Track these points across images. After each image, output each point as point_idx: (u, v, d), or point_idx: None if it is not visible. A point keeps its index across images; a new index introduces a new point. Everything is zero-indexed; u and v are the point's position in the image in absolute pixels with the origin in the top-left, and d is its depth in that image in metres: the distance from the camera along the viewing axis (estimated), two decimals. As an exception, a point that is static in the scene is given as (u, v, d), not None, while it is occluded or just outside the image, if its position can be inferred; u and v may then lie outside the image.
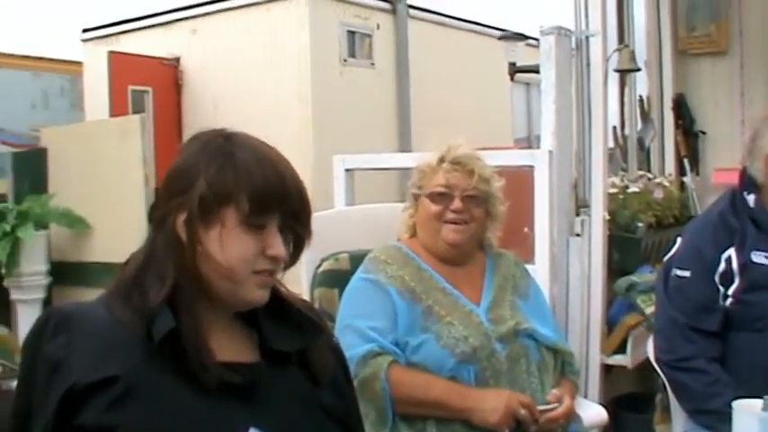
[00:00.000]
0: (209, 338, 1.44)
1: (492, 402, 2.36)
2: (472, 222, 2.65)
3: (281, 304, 1.57)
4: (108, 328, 1.42)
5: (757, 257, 2.67)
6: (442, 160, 2.69)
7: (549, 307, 2.92)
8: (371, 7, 7.55)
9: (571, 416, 2.50)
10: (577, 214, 3.78)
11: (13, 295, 6.20)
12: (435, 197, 2.65)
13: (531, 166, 3.55)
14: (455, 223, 2.63)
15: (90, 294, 1.53)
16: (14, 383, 1.47)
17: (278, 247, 1.47)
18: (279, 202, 1.46)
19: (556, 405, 2.45)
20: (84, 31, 8.38)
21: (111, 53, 7.42)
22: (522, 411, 2.36)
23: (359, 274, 2.67)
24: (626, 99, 5.36)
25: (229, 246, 1.44)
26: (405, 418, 2.43)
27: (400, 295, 2.54)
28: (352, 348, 2.38)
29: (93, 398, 1.34)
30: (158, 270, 1.46)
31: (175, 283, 1.44)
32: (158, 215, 1.50)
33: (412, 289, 2.56)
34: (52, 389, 1.35)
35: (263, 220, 1.46)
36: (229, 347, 1.50)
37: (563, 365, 2.66)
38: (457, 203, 2.62)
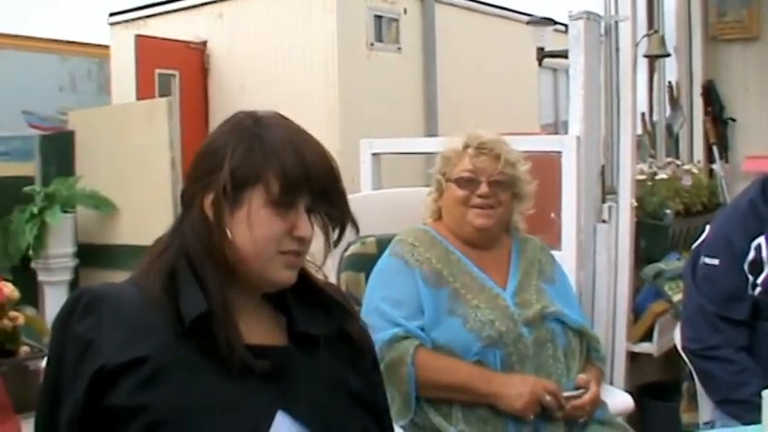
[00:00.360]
0: (237, 321, 1.44)
1: (517, 388, 2.36)
2: (499, 207, 2.65)
3: (309, 288, 1.58)
4: (137, 309, 1.42)
5: (788, 246, 2.64)
6: (467, 145, 2.69)
7: (574, 292, 2.91)
8: (398, -8, 7.53)
9: (597, 403, 2.49)
10: (604, 201, 3.76)
11: (41, 277, 6.24)
12: (462, 182, 2.65)
13: (559, 152, 3.53)
14: (481, 208, 2.62)
15: (116, 276, 1.54)
16: (42, 364, 1.48)
17: (304, 227, 1.47)
18: (306, 183, 1.46)
19: (582, 391, 2.44)
20: (112, 14, 8.41)
21: (138, 37, 7.44)
22: (548, 398, 2.36)
23: (387, 254, 2.67)
24: (655, 85, 5.31)
25: (256, 226, 1.44)
26: (430, 401, 2.44)
27: (425, 281, 2.54)
28: (378, 332, 2.39)
29: (122, 378, 1.34)
30: (187, 251, 1.46)
31: (204, 264, 1.44)
32: (187, 196, 1.51)
33: (439, 271, 2.56)
34: (82, 369, 1.36)
35: (290, 201, 1.45)
36: (258, 330, 1.50)
37: (588, 351, 2.65)
38: (483, 188, 2.62)
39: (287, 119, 1.55)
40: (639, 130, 4.83)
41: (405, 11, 7.55)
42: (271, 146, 1.45)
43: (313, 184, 1.47)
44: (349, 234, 1.58)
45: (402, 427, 2.41)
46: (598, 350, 2.67)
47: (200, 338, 1.39)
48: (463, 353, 2.43)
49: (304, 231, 1.47)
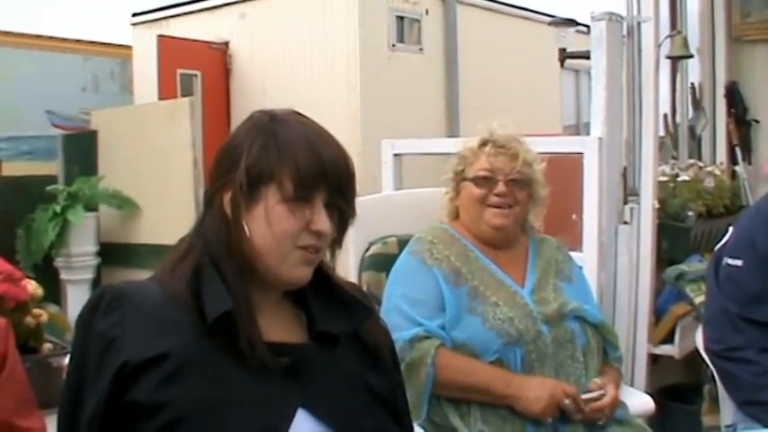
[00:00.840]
0: (258, 318, 1.45)
1: (536, 391, 2.36)
2: (516, 206, 2.65)
3: (329, 286, 1.58)
4: (160, 306, 1.43)
5: (811, 248, 2.63)
6: (484, 143, 2.69)
7: (591, 291, 2.90)
8: (420, -8, 7.53)
9: (616, 404, 2.48)
10: (626, 202, 3.75)
11: (63, 275, 6.28)
12: (479, 181, 2.65)
13: (581, 153, 3.52)
14: (499, 207, 2.63)
15: (138, 276, 1.55)
16: (65, 361, 1.49)
17: (322, 222, 1.47)
18: (322, 178, 1.47)
19: (601, 392, 2.44)
20: (134, 15, 8.44)
21: (160, 37, 7.45)
22: (567, 401, 2.36)
23: (405, 252, 2.68)
24: (677, 86, 5.31)
25: (273, 221, 1.45)
26: (449, 400, 2.44)
27: (445, 280, 2.54)
28: (399, 331, 2.39)
29: (144, 374, 1.35)
30: (209, 249, 1.47)
31: (224, 262, 1.46)
32: (208, 194, 1.53)
33: (458, 269, 2.57)
34: (105, 366, 1.37)
35: (307, 196, 1.46)
36: (278, 328, 1.51)
37: (606, 351, 2.65)
38: (501, 187, 2.62)
39: (303, 116, 1.56)
40: (662, 132, 4.81)
41: (426, 12, 7.53)
42: (285, 142, 1.47)
43: (330, 180, 1.48)
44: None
45: (420, 425, 2.42)
46: (615, 349, 2.67)
47: (222, 335, 1.40)
48: (483, 351, 2.43)
49: (321, 225, 1.47)
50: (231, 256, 1.46)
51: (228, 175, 1.47)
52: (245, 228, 1.46)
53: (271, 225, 1.45)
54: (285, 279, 1.50)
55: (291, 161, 1.45)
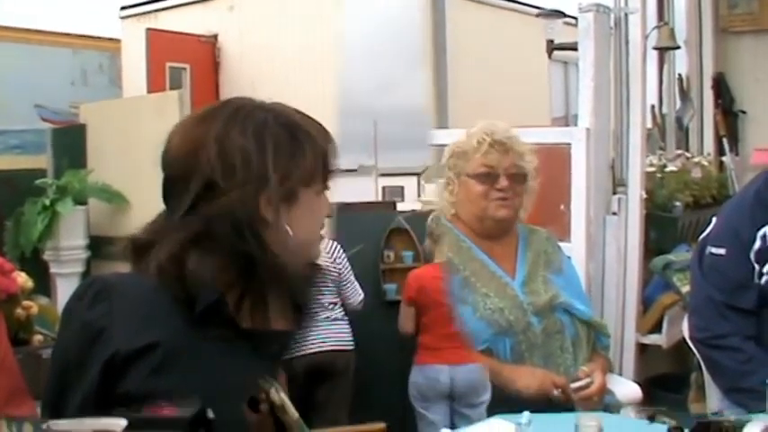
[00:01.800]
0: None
1: (525, 381, 2.38)
2: (515, 198, 2.66)
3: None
4: (148, 297, 1.42)
5: (794, 235, 2.65)
6: (482, 140, 2.69)
7: (580, 281, 2.92)
8: (409, -15, 7.54)
9: (604, 391, 2.51)
10: (614, 193, 3.76)
11: (53, 269, 6.26)
12: (480, 177, 2.65)
13: (569, 144, 3.54)
14: (502, 199, 2.64)
15: (127, 269, 1.54)
16: (55, 352, 1.49)
17: (330, 205, 1.53)
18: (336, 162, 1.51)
19: (589, 380, 2.46)
20: (123, 8, 8.42)
21: (149, 30, 7.44)
22: (556, 392, 2.37)
23: None
24: (665, 77, 5.31)
25: (314, 216, 1.49)
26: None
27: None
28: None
29: (134, 365, 1.34)
30: (220, 249, 1.42)
31: (248, 261, 1.43)
32: (228, 199, 1.42)
33: (450, 260, 2.58)
34: (94, 357, 1.36)
35: (328, 183, 1.51)
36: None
37: (595, 341, 2.67)
38: (503, 182, 2.64)
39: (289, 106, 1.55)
40: (649, 123, 4.83)
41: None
42: (307, 136, 1.47)
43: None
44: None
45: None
46: (603, 339, 2.69)
47: (211, 324, 1.39)
48: (473, 341, 2.44)
49: (331, 209, 1.54)
50: (260, 256, 1.43)
51: (261, 181, 1.42)
52: (286, 228, 1.45)
53: (313, 218, 1.49)
54: (308, 260, 1.55)
55: (323, 154, 1.48)
